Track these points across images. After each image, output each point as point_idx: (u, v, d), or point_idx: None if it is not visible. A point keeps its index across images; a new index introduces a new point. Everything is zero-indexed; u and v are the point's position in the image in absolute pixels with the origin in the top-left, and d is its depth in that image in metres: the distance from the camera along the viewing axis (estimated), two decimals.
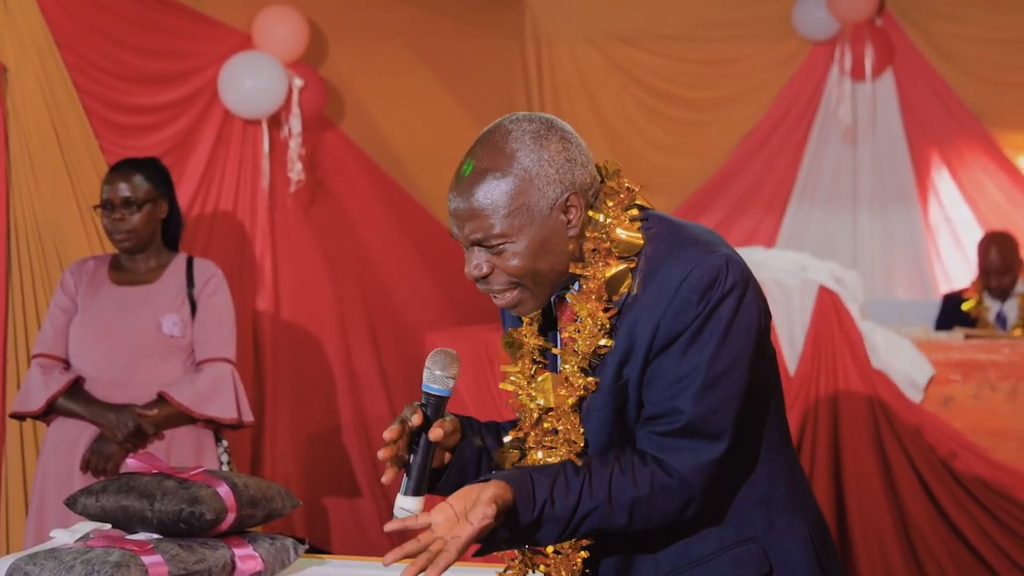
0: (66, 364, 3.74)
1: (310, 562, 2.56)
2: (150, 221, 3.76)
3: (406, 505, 1.95)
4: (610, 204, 1.97)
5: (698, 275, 1.87)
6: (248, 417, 3.79)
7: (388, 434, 1.94)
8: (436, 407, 2.01)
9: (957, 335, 5.03)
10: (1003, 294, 6.00)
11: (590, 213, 1.96)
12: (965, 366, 4.64)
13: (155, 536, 2.35)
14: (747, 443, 1.97)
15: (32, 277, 4.34)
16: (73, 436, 3.67)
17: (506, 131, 1.95)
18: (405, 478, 1.97)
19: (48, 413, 3.69)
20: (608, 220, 1.95)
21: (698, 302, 1.86)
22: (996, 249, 5.99)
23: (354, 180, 5.91)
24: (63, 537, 2.40)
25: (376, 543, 5.52)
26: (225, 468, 3.79)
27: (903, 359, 4.63)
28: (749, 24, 7.15)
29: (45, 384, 3.66)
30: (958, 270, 6.78)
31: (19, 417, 3.78)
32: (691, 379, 1.87)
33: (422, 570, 1.78)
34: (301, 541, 2.48)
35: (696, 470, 1.88)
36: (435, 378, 2.00)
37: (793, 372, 4.63)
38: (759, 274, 4.70)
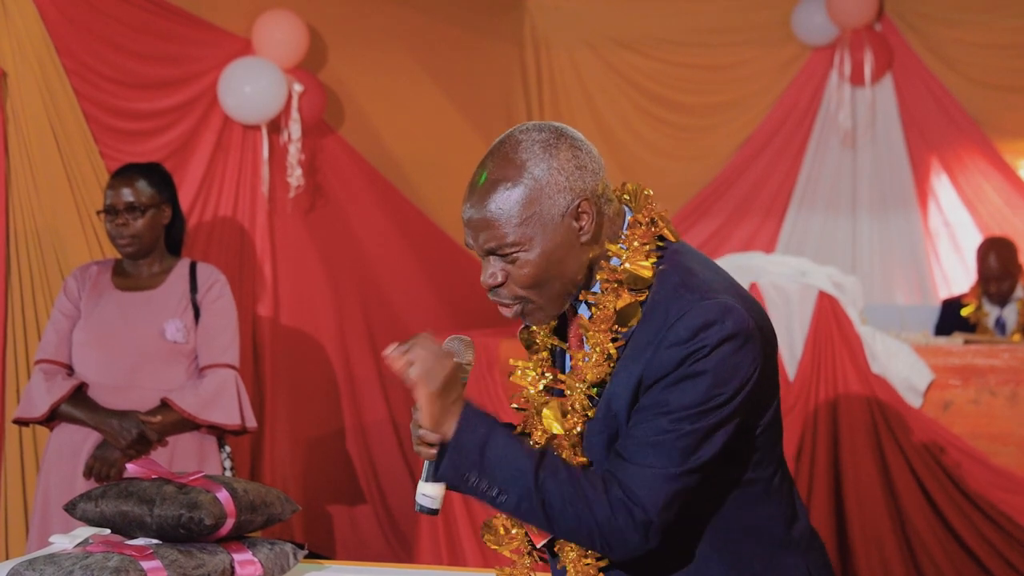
0: (69, 370, 3.74)
1: (309, 567, 2.56)
2: (153, 226, 3.76)
3: (427, 491, 1.99)
4: (630, 236, 1.99)
5: (692, 316, 1.88)
6: (251, 423, 3.79)
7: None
8: None
9: (956, 340, 5.03)
10: (1002, 299, 6.00)
11: (608, 246, 1.98)
12: (964, 371, 4.64)
13: (154, 541, 2.35)
14: (743, 481, 1.98)
15: (32, 282, 4.34)
16: (76, 442, 3.67)
17: (516, 141, 1.98)
18: (426, 464, 2.00)
19: (51, 419, 3.69)
20: (625, 253, 1.98)
21: (686, 340, 1.87)
22: (995, 254, 5.99)
23: (353, 185, 5.91)
24: (62, 542, 2.40)
25: (375, 548, 5.52)
26: (228, 474, 3.78)
27: (902, 364, 4.63)
28: (748, 29, 7.16)
29: (48, 390, 3.66)
30: (957, 275, 6.78)
31: (22, 423, 3.78)
32: (674, 412, 1.87)
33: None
34: (300, 546, 2.48)
35: (652, 493, 1.87)
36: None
37: (792, 377, 4.63)
38: (759, 279, 4.72)
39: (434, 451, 1.98)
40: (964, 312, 6.04)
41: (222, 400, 3.72)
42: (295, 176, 5.43)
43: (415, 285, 6.15)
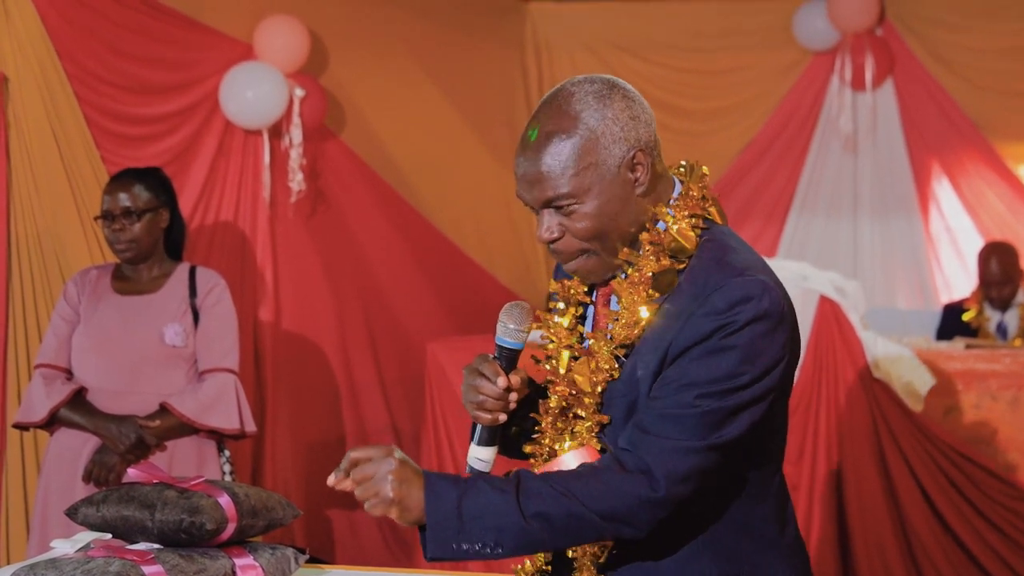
0: (68, 374, 3.74)
1: (310, 572, 2.55)
2: (151, 231, 3.76)
3: (480, 455, 2.01)
4: (680, 204, 1.97)
5: (731, 289, 1.86)
6: (251, 427, 3.79)
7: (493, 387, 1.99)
8: (510, 360, 2.03)
9: (958, 345, 5.03)
10: (1003, 304, 6.00)
11: (658, 207, 1.96)
12: (966, 376, 4.64)
13: (156, 546, 2.35)
14: (744, 477, 1.96)
15: (33, 287, 4.34)
16: (76, 447, 3.67)
17: (568, 93, 1.97)
18: (478, 428, 2.00)
19: (51, 423, 3.69)
20: (672, 219, 1.95)
21: (722, 312, 1.85)
22: (996, 259, 5.99)
23: (355, 190, 5.91)
24: (63, 547, 2.39)
25: (376, 553, 5.52)
26: (228, 478, 3.78)
27: (904, 369, 4.63)
28: (749, 34, 7.16)
29: (48, 395, 3.66)
30: (959, 280, 6.78)
31: (22, 427, 3.78)
32: (699, 386, 1.85)
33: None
34: (302, 551, 2.48)
35: (670, 466, 1.84)
36: (509, 331, 2.02)
37: (794, 381, 4.62)
38: None
39: (488, 416, 1.96)
40: (965, 317, 6.04)
41: (221, 405, 3.72)
42: (296, 181, 5.43)
43: (416, 289, 6.15)
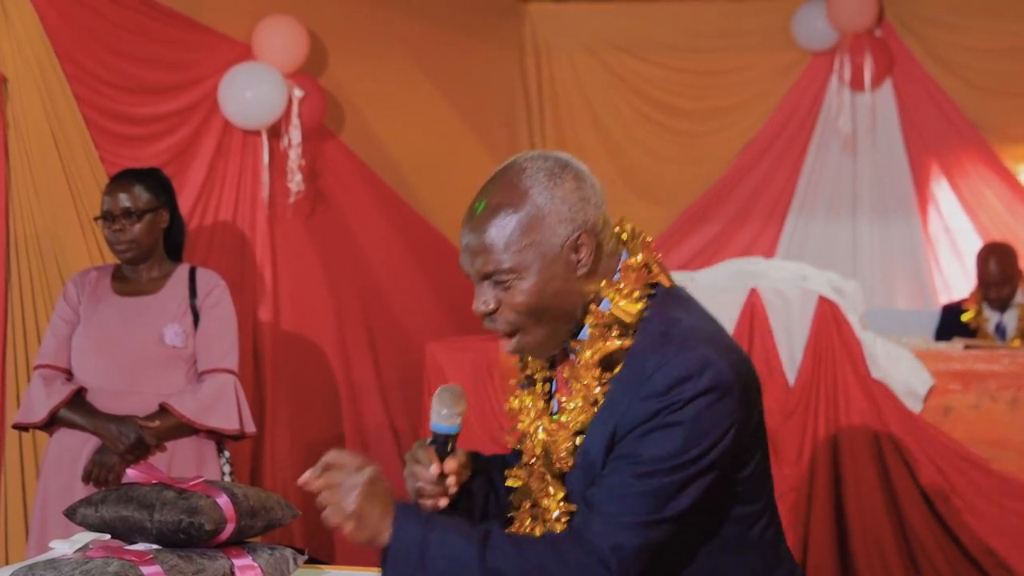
0: (68, 375, 3.73)
1: (309, 572, 2.55)
2: (151, 231, 3.76)
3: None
4: (622, 279, 1.97)
5: (670, 368, 1.85)
6: (250, 428, 3.79)
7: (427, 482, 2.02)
8: (446, 444, 2.05)
9: (957, 345, 5.03)
10: (1002, 305, 6.00)
11: (600, 286, 1.96)
12: (965, 376, 4.64)
13: (154, 547, 2.35)
14: (711, 536, 1.95)
15: (32, 288, 4.33)
16: (75, 447, 3.67)
17: (520, 168, 1.97)
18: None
19: (50, 424, 3.69)
20: (615, 296, 1.95)
21: (662, 393, 1.84)
22: (995, 260, 5.99)
23: (354, 190, 5.91)
24: (62, 548, 2.39)
25: (374, 553, 5.51)
26: (227, 479, 3.78)
27: (903, 369, 4.63)
28: (749, 34, 7.16)
29: (47, 395, 3.65)
30: (957, 280, 6.78)
31: (22, 428, 3.78)
32: (645, 463, 1.85)
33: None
34: (300, 551, 2.48)
35: (617, 543, 1.84)
36: (442, 417, 2.04)
37: (792, 382, 4.63)
38: (759, 284, 4.72)
39: (429, 502, 2.03)
40: (964, 317, 6.04)
41: (221, 405, 3.72)
42: (295, 181, 5.43)
43: (416, 290, 6.15)
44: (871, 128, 6.97)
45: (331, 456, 1.93)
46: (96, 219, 3.81)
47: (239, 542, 2.42)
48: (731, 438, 1.87)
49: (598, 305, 1.96)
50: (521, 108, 7.34)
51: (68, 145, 4.50)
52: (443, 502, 2.06)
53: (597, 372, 1.93)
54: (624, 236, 2.03)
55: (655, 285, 1.98)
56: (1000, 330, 5.98)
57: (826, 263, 5.99)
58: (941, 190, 6.90)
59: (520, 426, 2.08)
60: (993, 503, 4.53)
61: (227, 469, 3.82)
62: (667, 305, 1.96)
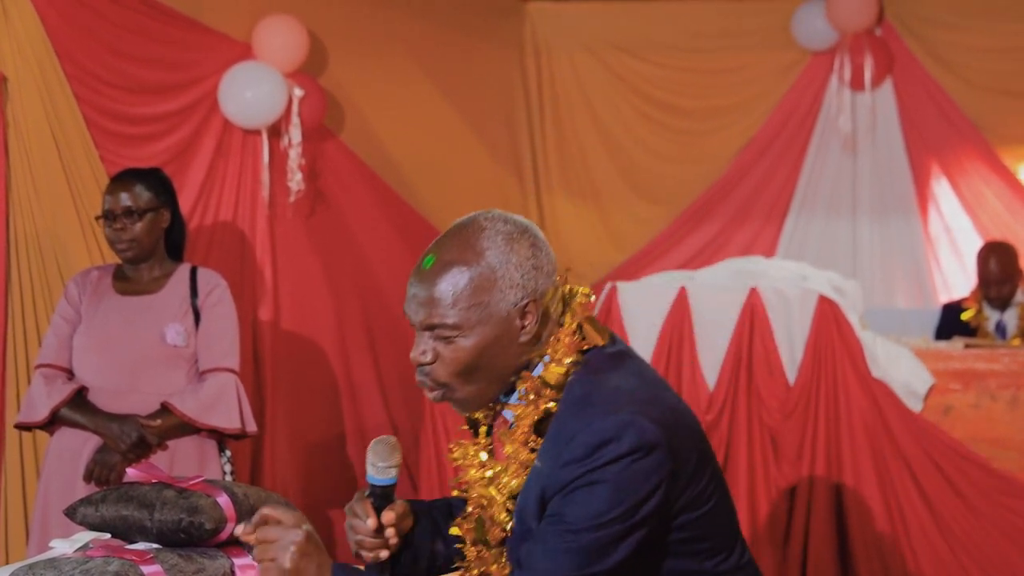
0: (69, 374, 3.74)
1: None
2: (152, 230, 3.76)
3: None
4: (554, 343, 1.98)
5: (589, 434, 1.86)
6: (251, 427, 3.79)
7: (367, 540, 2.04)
8: (383, 496, 2.06)
9: (957, 344, 5.02)
10: (1002, 304, 6.00)
11: (535, 354, 1.97)
12: (965, 375, 4.64)
13: (154, 546, 2.35)
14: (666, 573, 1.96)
15: (32, 287, 4.33)
16: (76, 446, 3.67)
17: (480, 227, 1.98)
18: (365, 568, 2.05)
19: (52, 423, 3.69)
20: (542, 361, 1.97)
21: (582, 459, 1.85)
22: (995, 259, 5.99)
23: (354, 190, 5.91)
24: (62, 547, 2.40)
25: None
26: (228, 478, 3.78)
27: (903, 368, 4.63)
28: (749, 34, 7.16)
29: (48, 394, 3.66)
30: (957, 279, 6.78)
31: (23, 427, 3.78)
32: (570, 523, 1.86)
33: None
34: None
35: None
36: (377, 469, 2.05)
37: (793, 382, 4.63)
38: (759, 283, 4.72)
39: (369, 555, 2.05)
40: (964, 316, 6.04)
41: (222, 404, 3.72)
42: (295, 181, 5.43)
43: None
44: (871, 127, 6.97)
45: (267, 511, 1.93)
46: (97, 218, 3.81)
47: (239, 541, 2.42)
48: (662, 494, 1.88)
49: (531, 370, 1.98)
50: (521, 108, 7.34)
51: (68, 145, 4.50)
52: (384, 554, 2.07)
53: (529, 437, 1.95)
54: (563, 294, 2.04)
55: (588, 349, 1.99)
56: (1000, 329, 5.98)
57: (826, 262, 6.00)
58: (941, 189, 6.89)
59: (463, 476, 2.09)
60: (993, 502, 4.53)
61: (228, 468, 3.82)
62: (594, 368, 1.97)
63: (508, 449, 1.96)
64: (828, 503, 4.59)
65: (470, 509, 2.07)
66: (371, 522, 2.03)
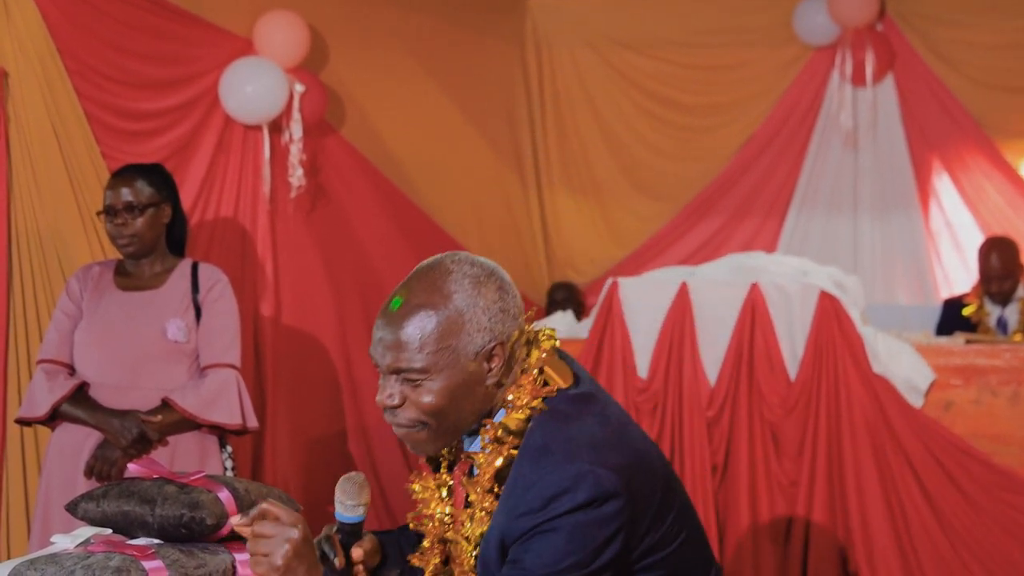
0: (71, 369, 3.74)
1: None
2: (153, 226, 3.76)
3: None
4: (516, 389, 1.98)
5: (544, 486, 1.86)
6: (253, 423, 3.79)
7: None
8: (351, 533, 2.08)
9: (958, 340, 5.02)
10: (1004, 299, 6.00)
11: (498, 399, 1.98)
12: (966, 371, 4.64)
13: (156, 541, 2.35)
14: None
15: (34, 283, 4.34)
16: (77, 442, 3.67)
17: (447, 270, 1.97)
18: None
19: (53, 419, 3.70)
20: (508, 410, 1.97)
21: (538, 510, 1.86)
22: (996, 254, 5.98)
23: (355, 185, 5.91)
24: (64, 542, 2.40)
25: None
26: (230, 474, 3.78)
27: (904, 364, 4.62)
28: (750, 30, 7.16)
29: (50, 389, 3.66)
30: (959, 275, 6.78)
31: (24, 422, 3.78)
32: (530, 571, 1.86)
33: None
34: None
35: None
36: (346, 507, 2.07)
37: (794, 377, 4.62)
38: (760, 279, 4.72)
39: None
40: (966, 312, 6.03)
41: (223, 400, 3.72)
42: (296, 176, 5.43)
43: None
44: (872, 123, 6.97)
45: (267, 506, 1.94)
46: (98, 214, 3.81)
47: (241, 536, 2.42)
48: (620, 542, 1.88)
49: (493, 416, 1.98)
50: (522, 103, 7.34)
51: (69, 140, 4.50)
52: None
53: (492, 484, 1.95)
54: (530, 338, 2.03)
55: (548, 395, 1.98)
56: (1002, 324, 5.97)
57: (827, 258, 5.99)
58: (942, 185, 6.89)
59: (422, 509, 2.10)
60: (994, 498, 4.53)
61: (229, 464, 3.82)
62: (555, 413, 1.96)
63: (472, 496, 1.97)
64: (829, 499, 4.59)
65: (427, 544, 2.09)
66: (338, 561, 2.05)
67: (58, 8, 4.48)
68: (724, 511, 4.72)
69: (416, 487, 2.12)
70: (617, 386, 4.79)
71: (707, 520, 4.66)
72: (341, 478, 2.05)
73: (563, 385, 2.00)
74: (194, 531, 2.33)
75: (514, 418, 1.95)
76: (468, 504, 2.01)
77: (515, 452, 1.93)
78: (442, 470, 2.12)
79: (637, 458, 1.95)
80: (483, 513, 1.96)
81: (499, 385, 1.97)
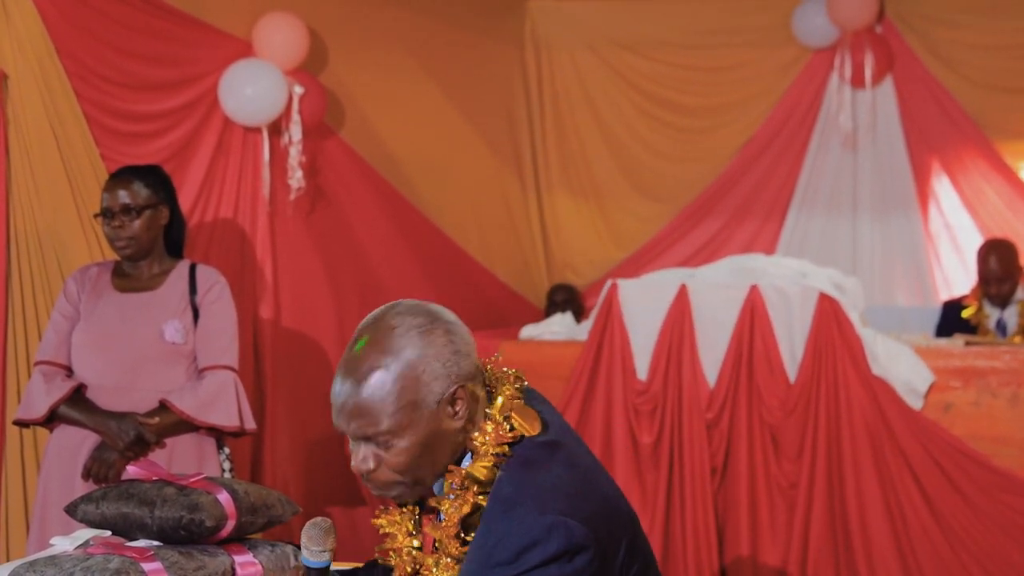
0: (68, 371, 3.73)
1: None
2: (150, 227, 3.76)
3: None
4: (480, 436, 1.96)
5: (515, 537, 1.84)
6: (250, 425, 3.79)
7: None
8: None
9: (957, 342, 5.02)
10: (1003, 301, 6.00)
11: (466, 443, 1.96)
12: (965, 373, 4.64)
13: (155, 543, 2.35)
14: None
15: (32, 285, 4.33)
16: (75, 444, 3.67)
17: (390, 327, 1.96)
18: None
19: (50, 420, 3.69)
20: (474, 456, 1.96)
21: (509, 563, 1.84)
22: (996, 256, 5.98)
23: (354, 187, 5.91)
24: (63, 544, 2.39)
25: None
26: (228, 476, 3.78)
27: (903, 366, 4.63)
28: (749, 31, 7.16)
29: (47, 391, 3.66)
30: (958, 277, 6.78)
31: (22, 424, 3.78)
32: None
33: None
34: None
35: None
36: (312, 553, 2.05)
37: (793, 379, 4.63)
38: (759, 281, 4.72)
39: None
40: (965, 314, 6.03)
41: (221, 402, 3.72)
42: (296, 178, 5.43)
43: (416, 287, 6.15)
44: (871, 125, 6.97)
45: None
46: (96, 216, 3.81)
47: (240, 539, 2.42)
48: None
49: (460, 461, 1.97)
50: (522, 105, 7.34)
51: (68, 142, 4.50)
52: None
53: (457, 530, 1.94)
54: (490, 379, 2.02)
55: (518, 440, 1.96)
56: (1001, 326, 5.97)
57: (826, 260, 6.00)
58: (941, 187, 6.89)
59: (390, 543, 2.10)
60: (993, 500, 4.54)
61: (227, 466, 3.82)
62: (524, 461, 1.94)
63: (438, 543, 1.96)
64: (828, 501, 4.59)
65: None
66: None
67: (57, 9, 4.47)
68: (724, 513, 4.72)
69: (382, 521, 2.11)
70: (616, 388, 4.80)
71: (706, 522, 4.67)
72: (307, 524, 2.04)
73: (531, 433, 1.97)
74: (193, 533, 2.32)
75: (479, 467, 1.94)
76: (436, 548, 2.00)
77: (482, 499, 1.92)
78: (407, 506, 2.12)
79: (606, 507, 1.94)
80: (449, 560, 1.95)
81: (468, 425, 1.96)
